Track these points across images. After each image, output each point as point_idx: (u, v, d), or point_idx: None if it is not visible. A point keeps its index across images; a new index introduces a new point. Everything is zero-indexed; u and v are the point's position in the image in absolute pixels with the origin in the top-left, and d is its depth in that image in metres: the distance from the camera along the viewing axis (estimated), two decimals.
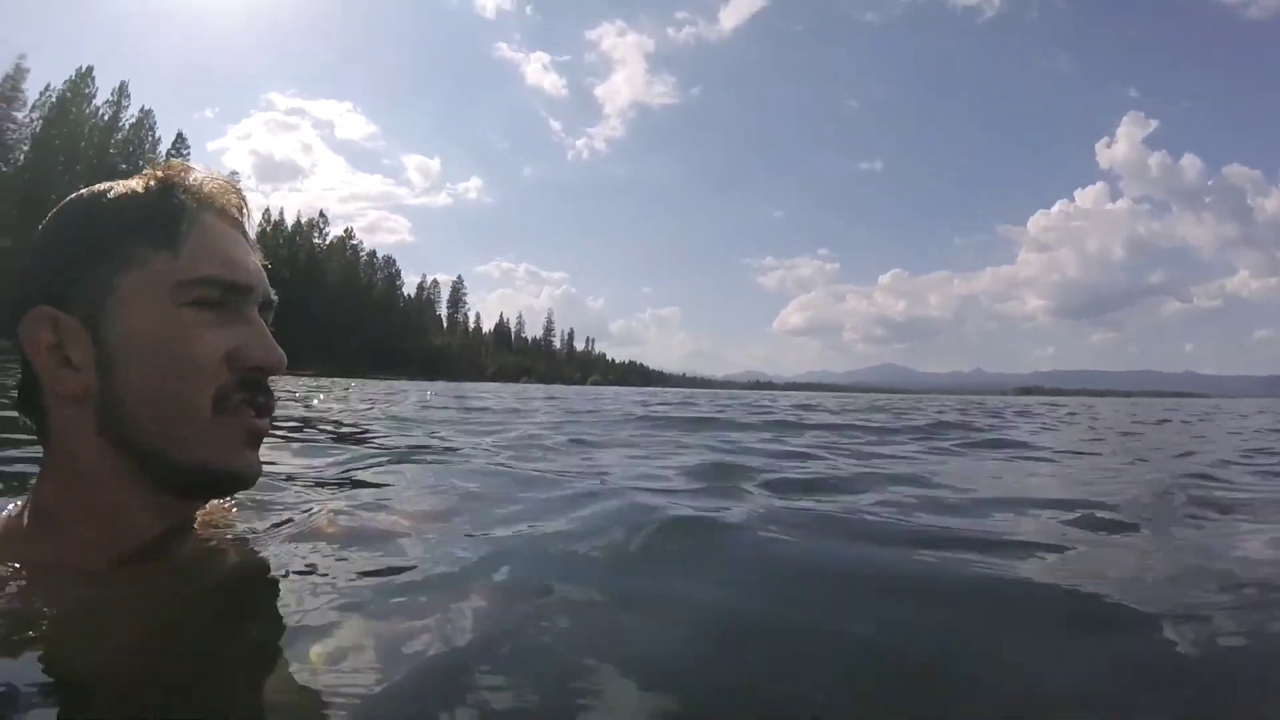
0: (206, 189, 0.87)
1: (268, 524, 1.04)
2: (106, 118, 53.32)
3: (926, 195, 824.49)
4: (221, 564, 0.91)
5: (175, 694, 0.60)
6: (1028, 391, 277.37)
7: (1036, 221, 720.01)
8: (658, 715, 0.61)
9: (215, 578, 0.87)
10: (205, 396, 0.81)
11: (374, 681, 0.63)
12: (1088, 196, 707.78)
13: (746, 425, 4.84)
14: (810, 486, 1.91)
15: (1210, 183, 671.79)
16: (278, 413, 0.99)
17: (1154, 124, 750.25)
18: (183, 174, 0.87)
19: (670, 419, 5.27)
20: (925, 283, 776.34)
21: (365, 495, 1.42)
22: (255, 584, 0.86)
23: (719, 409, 7.65)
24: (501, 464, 2.10)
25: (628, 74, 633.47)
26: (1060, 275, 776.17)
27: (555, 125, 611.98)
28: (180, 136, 59.69)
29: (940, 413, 8.62)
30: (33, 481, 0.86)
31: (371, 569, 0.90)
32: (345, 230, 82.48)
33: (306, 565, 0.90)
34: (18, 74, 49.40)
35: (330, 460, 2.12)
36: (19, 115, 49.09)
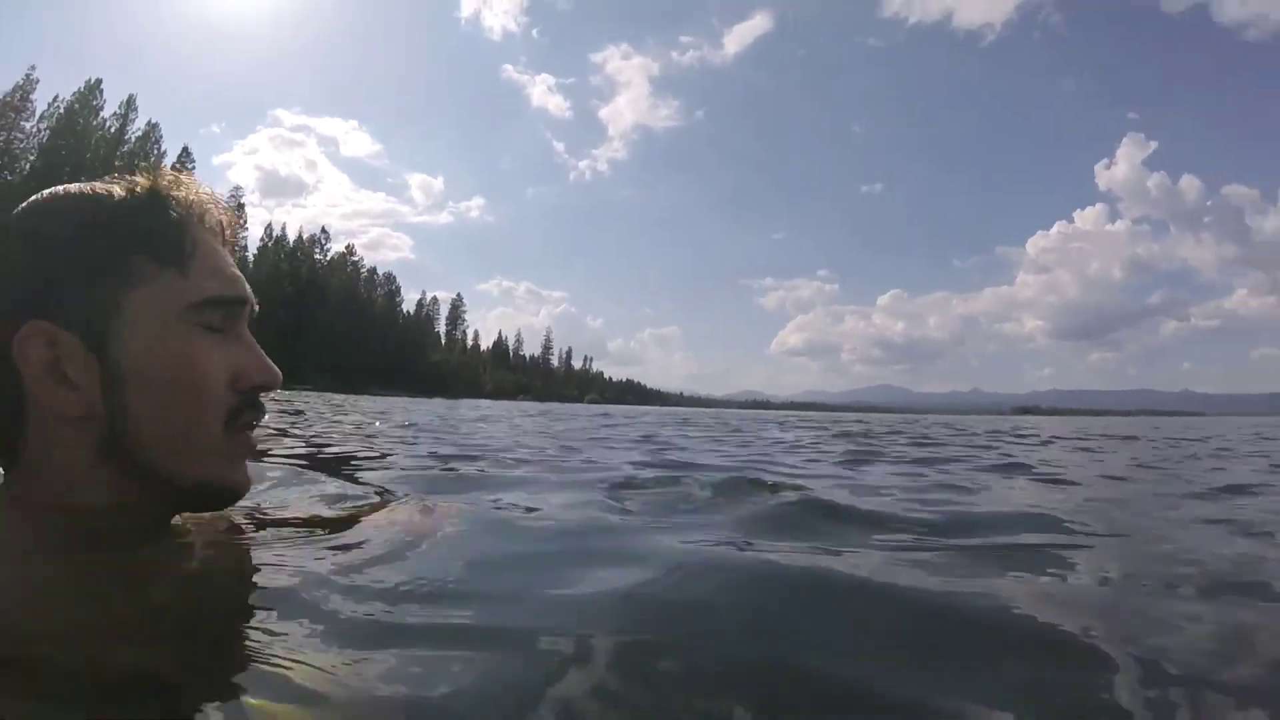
0: (198, 201, 0.85)
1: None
2: (114, 130, 53.76)
3: (926, 217, 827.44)
4: (196, 559, 0.86)
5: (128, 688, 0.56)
6: (1025, 411, 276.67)
7: (1035, 243, 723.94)
8: None
9: (189, 571, 0.82)
10: (218, 419, 0.82)
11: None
12: (1087, 218, 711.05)
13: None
14: None
15: (1209, 203, 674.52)
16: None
17: (1153, 145, 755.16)
18: (173, 184, 0.84)
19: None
20: (924, 304, 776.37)
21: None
22: (233, 578, 0.81)
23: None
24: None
25: (631, 97, 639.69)
26: (1059, 296, 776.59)
27: (559, 146, 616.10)
28: (186, 151, 60.24)
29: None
30: None
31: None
32: (346, 247, 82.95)
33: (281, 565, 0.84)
34: (27, 84, 50.04)
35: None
36: (28, 125, 49.68)
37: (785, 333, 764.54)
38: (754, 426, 9.35)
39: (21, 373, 0.75)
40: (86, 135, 51.34)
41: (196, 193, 0.86)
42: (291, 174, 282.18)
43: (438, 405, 15.47)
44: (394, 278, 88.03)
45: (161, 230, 0.80)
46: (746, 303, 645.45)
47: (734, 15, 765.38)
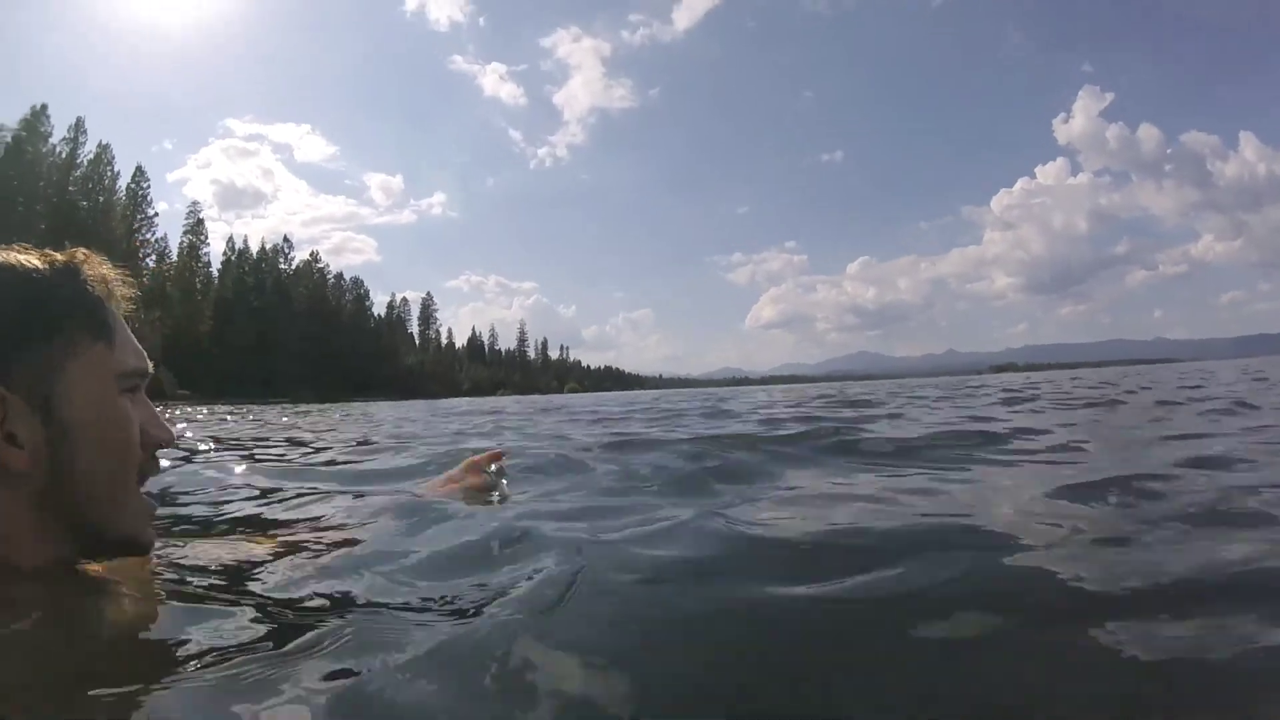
0: (108, 279, 0.93)
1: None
2: (64, 155, 52.88)
3: (889, 181, 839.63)
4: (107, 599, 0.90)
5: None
6: (1001, 369, 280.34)
7: (1000, 200, 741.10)
8: None
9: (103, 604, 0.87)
10: (134, 475, 0.92)
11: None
12: (1049, 173, 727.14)
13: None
14: None
15: (1169, 150, 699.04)
16: None
17: (1110, 96, 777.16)
18: (85, 261, 0.92)
19: None
20: (893, 268, 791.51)
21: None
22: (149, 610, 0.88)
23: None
24: None
25: (585, 79, 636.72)
26: (1026, 252, 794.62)
27: (515, 135, 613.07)
28: (139, 170, 59.18)
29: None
30: None
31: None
32: (311, 253, 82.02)
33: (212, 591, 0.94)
34: None
35: None
36: None
37: (759, 306, 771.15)
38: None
39: None
40: (37, 163, 50.46)
41: (106, 269, 0.94)
42: (248, 184, 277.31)
43: (419, 409, 15.36)
44: (362, 281, 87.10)
45: (89, 306, 0.89)
46: (717, 279, 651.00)
47: None
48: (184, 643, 0.76)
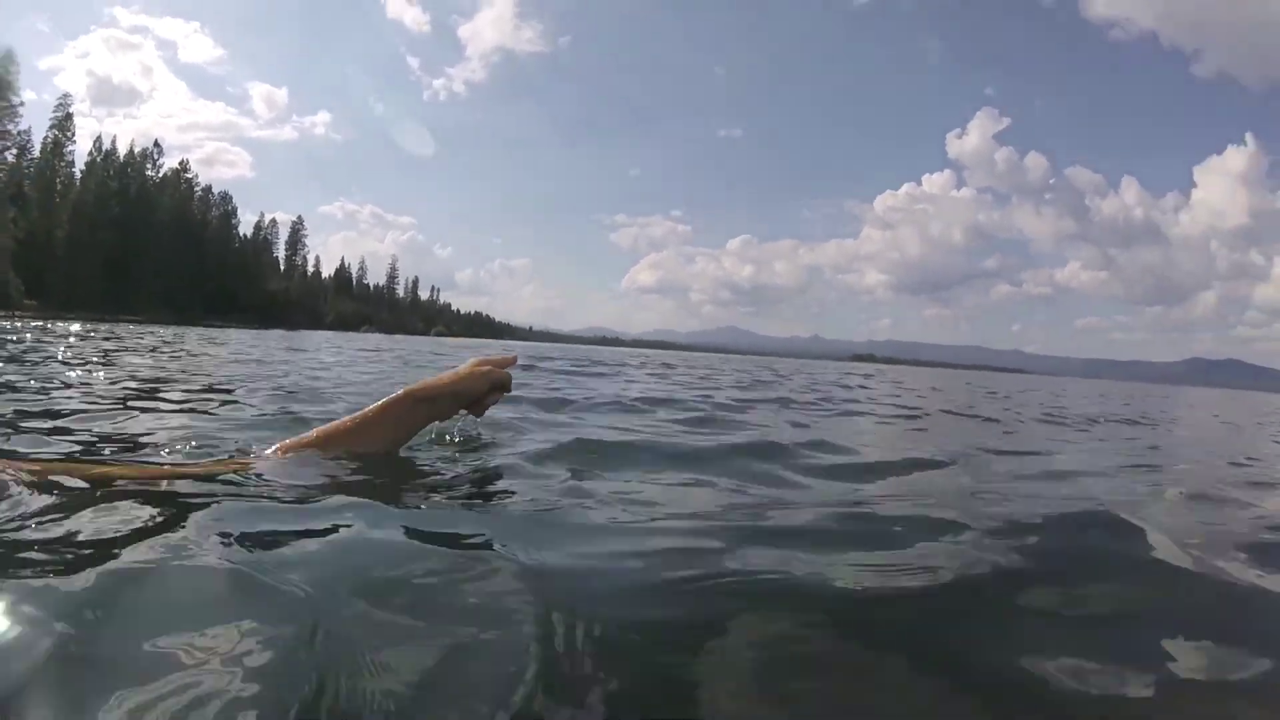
0: None
1: None
2: None
3: (782, 165, 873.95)
4: None
5: None
6: (861, 359, 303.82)
7: (883, 201, 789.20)
8: None
9: None
10: None
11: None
12: (934, 182, 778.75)
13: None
14: None
15: (1052, 181, 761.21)
16: None
17: (1006, 121, 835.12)
18: None
19: None
20: (773, 250, 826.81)
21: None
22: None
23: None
24: None
25: (495, 15, 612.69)
26: (900, 253, 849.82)
27: (413, 62, 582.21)
28: (9, 53, 56.05)
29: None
30: None
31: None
32: (180, 162, 78.77)
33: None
34: None
35: None
36: None
37: (637, 269, 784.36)
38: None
39: None
40: None
41: None
42: (125, 80, 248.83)
43: (276, 341, 14.26)
44: (230, 197, 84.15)
45: None
46: (600, 238, 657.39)
47: None
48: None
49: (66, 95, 66.61)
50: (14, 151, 57.00)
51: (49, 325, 16.91)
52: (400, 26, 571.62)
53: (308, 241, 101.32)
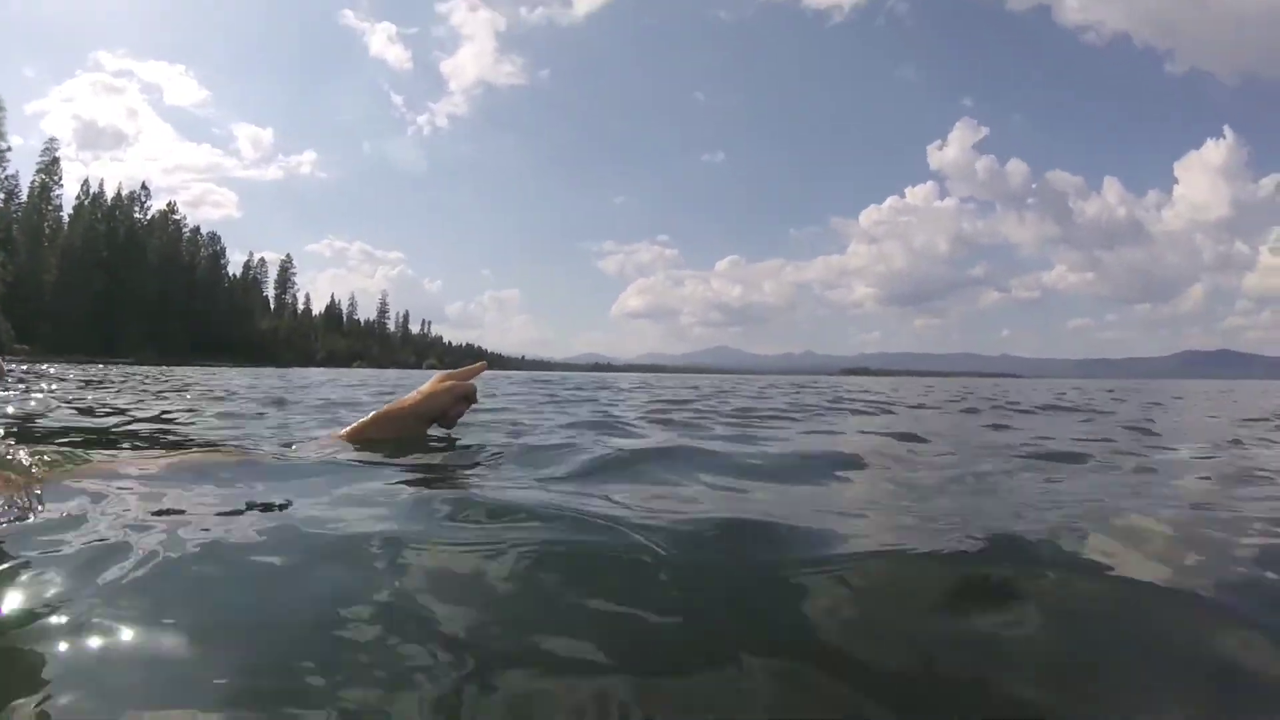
0: None
1: None
2: None
3: (765, 187, 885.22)
4: None
5: None
6: (853, 372, 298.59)
7: (868, 215, 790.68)
8: None
9: None
10: None
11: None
12: (917, 194, 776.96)
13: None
14: None
15: (1034, 186, 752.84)
16: None
17: (985, 131, 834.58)
18: None
19: None
20: (761, 269, 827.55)
21: None
22: None
23: None
24: None
25: (476, 51, 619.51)
26: (887, 266, 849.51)
27: (397, 100, 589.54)
28: None
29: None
30: None
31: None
32: (168, 204, 79.43)
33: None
34: None
35: None
36: None
37: (626, 295, 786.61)
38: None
39: None
40: None
41: None
42: (110, 124, 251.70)
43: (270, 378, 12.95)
44: (219, 237, 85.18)
45: None
46: (588, 265, 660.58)
47: None
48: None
49: (53, 140, 67.18)
50: (1, 196, 57.64)
51: (39, 366, 17.00)
52: (383, 65, 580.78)
53: (297, 280, 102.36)
